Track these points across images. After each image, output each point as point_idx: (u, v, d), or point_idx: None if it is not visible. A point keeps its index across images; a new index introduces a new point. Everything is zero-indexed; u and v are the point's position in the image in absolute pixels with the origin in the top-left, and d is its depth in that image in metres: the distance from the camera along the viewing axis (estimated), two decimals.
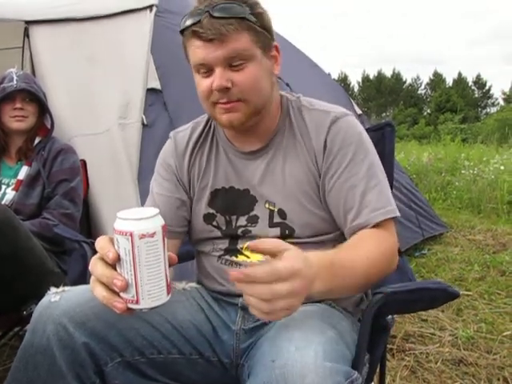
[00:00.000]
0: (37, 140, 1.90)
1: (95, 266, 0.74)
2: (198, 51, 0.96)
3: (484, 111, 46.98)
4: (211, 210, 1.10)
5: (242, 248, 1.00)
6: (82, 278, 1.44)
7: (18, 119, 1.84)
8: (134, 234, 0.68)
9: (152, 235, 0.69)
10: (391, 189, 1.09)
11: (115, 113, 2.34)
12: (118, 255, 0.70)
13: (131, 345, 0.96)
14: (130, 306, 0.71)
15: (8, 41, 2.62)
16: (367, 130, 1.13)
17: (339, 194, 1.00)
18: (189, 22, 0.96)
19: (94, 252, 0.75)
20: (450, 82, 49.43)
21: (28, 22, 2.43)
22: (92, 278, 0.75)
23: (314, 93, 1.37)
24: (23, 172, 1.82)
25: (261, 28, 0.98)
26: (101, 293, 0.73)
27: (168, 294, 0.72)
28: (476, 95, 49.30)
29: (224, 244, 1.09)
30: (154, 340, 0.98)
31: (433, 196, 5.84)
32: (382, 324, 0.95)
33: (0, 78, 1.86)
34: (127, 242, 0.68)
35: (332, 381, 0.72)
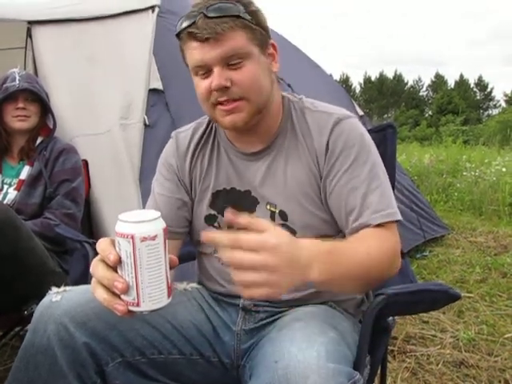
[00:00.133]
0: (39, 140, 1.90)
1: (96, 268, 0.74)
2: (195, 52, 0.96)
3: (486, 113, 46.96)
4: (212, 212, 1.10)
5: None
6: (84, 277, 1.44)
7: (21, 119, 1.84)
8: (135, 237, 0.68)
9: (153, 238, 0.69)
10: (393, 190, 1.09)
11: (117, 113, 2.34)
12: (119, 257, 0.70)
13: (132, 345, 0.96)
14: (131, 308, 0.71)
15: (11, 41, 2.62)
16: (369, 131, 1.13)
17: (341, 195, 1.00)
18: (184, 25, 0.96)
19: (96, 252, 0.75)
20: (451, 83, 49.48)
21: (31, 23, 2.43)
22: (93, 280, 0.75)
23: (315, 94, 1.37)
24: (25, 172, 1.82)
25: (256, 26, 0.98)
26: (102, 295, 0.73)
27: (169, 296, 0.73)
28: (478, 97, 49.27)
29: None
30: (154, 340, 0.98)
31: (434, 198, 5.83)
32: (383, 325, 0.95)
33: (3, 78, 1.86)
34: (128, 244, 0.68)
35: (334, 382, 0.72)
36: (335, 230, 1.04)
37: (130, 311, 0.71)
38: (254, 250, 0.68)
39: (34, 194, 1.78)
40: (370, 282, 0.93)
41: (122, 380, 0.95)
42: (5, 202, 1.75)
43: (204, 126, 1.15)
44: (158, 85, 2.47)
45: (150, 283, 0.70)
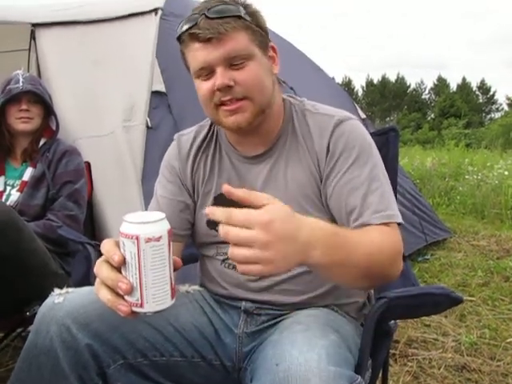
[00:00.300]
0: (42, 141, 1.91)
1: (100, 269, 0.74)
2: (198, 54, 0.97)
3: (488, 116, 46.86)
4: None
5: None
6: (86, 279, 1.45)
7: (24, 120, 1.85)
8: (140, 238, 0.68)
9: (158, 239, 0.69)
10: (395, 194, 1.08)
11: (120, 115, 2.35)
12: (124, 258, 0.70)
13: (134, 347, 0.96)
14: (135, 309, 0.71)
15: (15, 43, 2.64)
16: (371, 134, 1.13)
17: (341, 196, 0.99)
18: (185, 27, 0.96)
19: (98, 254, 0.75)
20: (454, 86, 49.43)
21: (34, 25, 2.44)
22: (97, 281, 0.75)
23: (318, 97, 1.37)
24: (28, 173, 1.83)
25: (257, 27, 0.99)
26: (105, 296, 0.73)
27: (172, 298, 0.73)
28: (480, 100, 49.21)
29: (227, 248, 1.08)
30: (156, 342, 0.99)
31: (436, 201, 5.82)
32: (384, 329, 0.95)
33: (6, 80, 1.87)
34: (133, 245, 0.68)
35: None
36: None
37: (133, 312, 0.71)
38: (246, 225, 0.67)
39: (37, 196, 1.78)
40: (371, 275, 0.88)
41: (123, 382, 0.95)
42: (7, 203, 1.75)
43: (206, 129, 1.15)
44: (161, 87, 2.48)
45: (154, 284, 0.70)
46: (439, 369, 1.99)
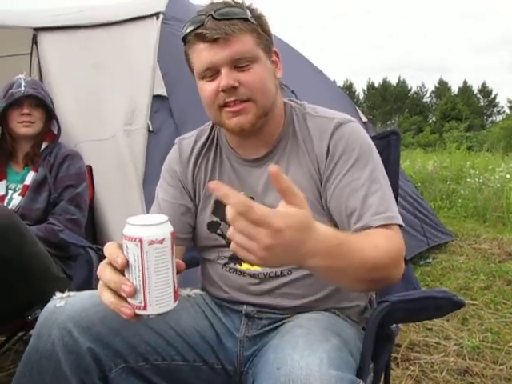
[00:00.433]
0: (43, 145, 1.91)
1: (103, 271, 0.74)
2: (203, 54, 0.97)
3: (490, 119, 46.88)
4: (215, 219, 1.10)
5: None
6: (87, 283, 1.44)
7: (26, 124, 1.85)
8: (143, 240, 0.68)
9: (161, 241, 0.69)
10: (396, 197, 1.08)
11: (121, 119, 2.35)
12: (127, 261, 0.70)
13: (135, 351, 0.96)
14: (138, 311, 0.71)
15: (16, 47, 2.65)
16: (372, 138, 1.13)
17: (341, 198, 0.99)
18: (192, 27, 0.97)
19: (100, 258, 0.75)
20: (455, 90, 49.46)
21: (36, 29, 2.45)
22: (100, 283, 0.75)
23: (319, 100, 1.38)
24: (30, 177, 1.83)
25: (262, 31, 1.00)
26: (108, 298, 0.73)
27: (175, 300, 0.73)
28: (481, 103, 49.22)
29: (229, 252, 1.08)
30: (157, 346, 0.98)
31: (438, 204, 5.81)
32: (386, 333, 0.95)
33: (8, 84, 1.88)
34: (136, 247, 0.68)
35: None
36: None
37: (136, 315, 0.71)
38: (259, 223, 0.66)
39: (39, 200, 1.78)
40: (372, 279, 0.86)
41: None
42: (9, 207, 1.75)
43: (207, 133, 1.15)
44: (162, 91, 2.48)
45: (157, 287, 0.70)
46: (441, 373, 1.98)
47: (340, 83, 48.34)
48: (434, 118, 45.14)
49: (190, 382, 1.01)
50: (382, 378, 1.07)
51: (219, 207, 1.10)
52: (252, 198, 1.07)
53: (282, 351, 0.81)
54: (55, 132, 1.96)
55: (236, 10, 0.97)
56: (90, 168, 2.06)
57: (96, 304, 0.91)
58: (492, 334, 2.33)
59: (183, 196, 1.13)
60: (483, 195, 5.67)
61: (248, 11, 0.98)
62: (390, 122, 49.63)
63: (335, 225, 1.02)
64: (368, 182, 0.98)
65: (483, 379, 1.93)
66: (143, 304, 0.70)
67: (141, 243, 0.68)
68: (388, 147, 1.27)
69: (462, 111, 37.47)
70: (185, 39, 1.00)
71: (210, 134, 1.15)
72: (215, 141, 1.14)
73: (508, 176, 6.07)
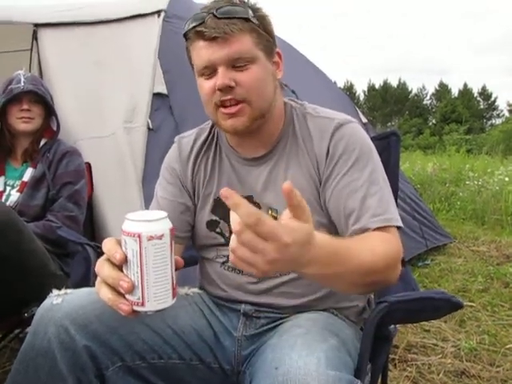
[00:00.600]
0: (42, 142, 1.90)
1: (102, 267, 0.73)
2: (202, 52, 0.97)
3: (489, 122, 46.92)
4: (214, 217, 1.10)
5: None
6: (85, 280, 1.44)
7: (25, 120, 1.85)
8: (142, 236, 0.68)
9: (160, 237, 0.69)
10: (396, 199, 1.08)
11: (121, 116, 2.35)
12: (126, 256, 0.70)
13: (132, 349, 0.96)
14: (136, 308, 0.71)
15: (17, 43, 2.64)
16: (372, 138, 1.13)
17: (339, 199, 0.99)
18: (192, 24, 0.97)
19: (98, 255, 0.75)
20: (455, 92, 49.50)
21: (37, 25, 2.45)
22: (98, 280, 0.75)
23: (320, 100, 1.37)
24: (28, 174, 1.83)
25: (263, 32, 0.99)
26: (106, 294, 0.72)
27: (173, 297, 0.72)
28: (481, 106, 49.27)
29: (227, 251, 1.07)
30: (154, 345, 0.98)
31: (437, 206, 5.82)
32: (384, 333, 0.95)
33: (8, 80, 1.87)
34: (135, 243, 0.68)
35: None
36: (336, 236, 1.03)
37: (134, 311, 0.71)
38: (265, 237, 0.64)
39: (37, 196, 1.78)
40: (368, 283, 0.87)
41: None
42: (7, 203, 1.75)
43: (207, 132, 1.15)
44: (163, 89, 2.48)
45: (156, 283, 0.69)
46: (438, 374, 1.98)
47: (341, 84, 48.38)
48: (433, 121, 45.14)
49: (187, 381, 1.01)
50: (380, 379, 1.07)
51: (218, 206, 1.09)
52: (251, 196, 1.07)
53: (280, 351, 0.81)
54: (54, 128, 1.95)
55: (238, 8, 0.96)
56: (89, 165, 2.05)
57: (93, 301, 0.90)
58: (489, 336, 2.33)
59: (182, 194, 1.13)
60: (482, 198, 5.67)
61: (250, 11, 0.98)
62: (390, 123, 49.64)
63: (334, 225, 1.02)
64: (367, 183, 0.98)
65: (480, 381, 1.93)
66: (141, 300, 0.70)
67: (140, 239, 0.68)
68: (388, 148, 1.27)
69: (461, 114, 37.46)
70: (186, 35, 1.00)
71: (209, 132, 1.15)
72: (215, 139, 1.14)
73: (507, 179, 6.08)
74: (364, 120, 3.94)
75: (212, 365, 1.03)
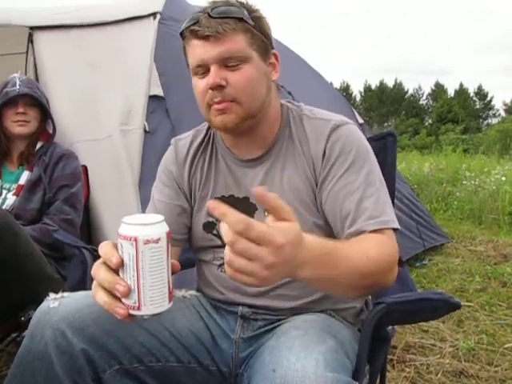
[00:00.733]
0: (38, 145, 1.90)
1: (98, 271, 0.73)
2: (196, 51, 0.98)
3: (485, 122, 47.04)
4: (211, 219, 1.09)
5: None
6: (81, 284, 1.43)
7: (20, 124, 1.84)
8: (138, 239, 0.67)
9: (156, 241, 0.68)
10: (393, 199, 1.08)
11: (117, 119, 2.35)
12: (122, 260, 0.70)
13: (129, 352, 0.95)
14: (132, 312, 0.70)
15: (12, 46, 2.63)
16: (369, 139, 1.13)
17: (336, 200, 0.99)
18: (188, 23, 0.98)
19: (94, 258, 0.74)
20: (451, 92, 49.63)
21: (32, 28, 2.44)
22: (94, 283, 0.74)
23: (316, 101, 1.37)
24: (24, 177, 1.82)
25: (258, 32, 0.99)
26: (102, 298, 0.72)
27: (170, 301, 0.72)
28: (477, 106, 49.41)
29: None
30: (152, 347, 0.98)
31: (434, 206, 5.83)
32: (382, 334, 0.95)
33: (3, 83, 1.86)
34: (131, 247, 0.68)
35: None
36: (332, 238, 1.03)
37: (130, 315, 0.71)
38: (259, 241, 0.64)
39: (33, 200, 1.77)
40: (364, 286, 0.87)
41: None
42: (3, 207, 1.74)
43: (203, 134, 1.15)
44: (159, 91, 2.48)
45: (152, 287, 0.69)
46: (437, 374, 1.99)
47: (337, 85, 48.46)
48: (430, 121, 45.24)
49: None
50: (378, 380, 1.06)
51: None
52: (247, 197, 1.07)
53: (277, 353, 0.81)
54: (50, 131, 1.95)
55: (233, 9, 0.97)
56: (85, 168, 2.05)
57: (90, 305, 0.90)
58: (487, 336, 2.33)
59: (179, 196, 1.13)
60: (479, 197, 5.69)
61: (245, 11, 0.98)
62: (386, 124, 49.70)
63: (330, 227, 1.02)
64: (363, 185, 0.97)
65: (478, 381, 1.93)
66: (137, 304, 0.69)
67: (136, 242, 0.68)
68: (384, 149, 1.27)
69: (458, 114, 37.54)
70: (182, 34, 1.01)
71: (206, 134, 1.15)
72: (211, 141, 1.14)
73: (503, 178, 6.10)
74: (360, 121, 3.95)
75: (210, 367, 1.02)
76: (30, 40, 2.44)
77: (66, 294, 0.96)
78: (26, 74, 2.33)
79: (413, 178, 6.94)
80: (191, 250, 1.17)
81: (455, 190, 6.34)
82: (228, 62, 0.97)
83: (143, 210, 1.30)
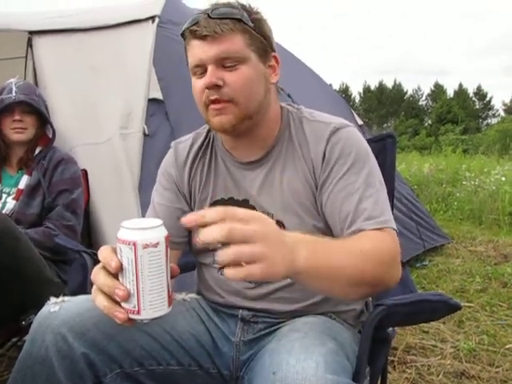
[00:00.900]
0: (38, 150, 1.90)
1: (97, 276, 0.73)
2: (194, 51, 0.99)
3: (485, 122, 47.05)
4: None
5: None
6: (82, 288, 1.43)
7: (18, 131, 1.84)
8: (137, 244, 0.68)
9: (155, 245, 0.69)
10: (392, 200, 1.08)
11: (117, 122, 2.35)
12: (121, 264, 0.70)
13: (130, 355, 0.95)
14: (131, 316, 0.71)
15: (12, 50, 2.64)
16: (368, 141, 1.13)
17: (335, 202, 0.98)
18: (188, 24, 0.99)
19: (95, 262, 0.75)
20: (450, 93, 49.66)
21: (31, 32, 2.45)
22: (94, 288, 0.75)
23: (315, 103, 1.38)
24: (24, 181, 1.82)
25: (257, 33, 1.00)
26: (102, 302, 0.72)
27: (169, 305, 0.72)
28: (477, 106, 49.42)
29: None
30: (152, 351, 0.98)
31: (434, 207, 5.83)
32: (382, 336, 0.95)
33: (0, 89, 1.86)
34: (130, 251, 0.68)
35: None
36: None
37: (130, 319, 0.71)
38: (247, 220, 0.66)
39: (33, 204, 1.77)
40: (364, 283, 0.85)
41: None
42: (3, 211, 1.74)
43: (203, 137, 1.15)
44: (158, 94, 2.48)
45: (151, 291, 0.69)
46: (438, 375, 1.98)
47: (336, 86, 48.49)
48: (429, 121, 45.25)
49: None
50: (379, 382, 1.06)
51: None
52: (247, 200, 1.07)
53: (278, 355, 0.81)
54: (50, 136, 1.94)
55: (232, 10, 0.98)
56: (85, 172, 2.05)
57: (90, 309, 0.90)
58: (488, 337, 2.33)
59: (179, 199, 1.13)
60: (479, 198, 5.69)
61: (245, 13, 0.98)
62: (385, 124, 49.73)
63: (330, 230, 1.02)
64: (363, 186, 0.97)
65: (479, 382, 1.93)
66: (137, 308, 0.70)
67: (135, 247, 0.68)
68: (384, 150, 1.27)
69: (457, 114, 37.55)
70: (183, 35, 1.02)
71: (206, 137, 1.15)
72: (211, 144, 1.14)
73: (503, 179, 6.09)
74: (360, 122, 3.96)
75: (210, 370, 1.02)
76: (30, 44, 2.44)
77: (66, 298, 0.97)
78: (25, 79, 2.34)
79: (413, 179, 6.95)
80: (191, 252, 1.17)
81: (455, 190, 6.34)
82: (225, 63, 0.97)
83: (143, 214, 1.31)
